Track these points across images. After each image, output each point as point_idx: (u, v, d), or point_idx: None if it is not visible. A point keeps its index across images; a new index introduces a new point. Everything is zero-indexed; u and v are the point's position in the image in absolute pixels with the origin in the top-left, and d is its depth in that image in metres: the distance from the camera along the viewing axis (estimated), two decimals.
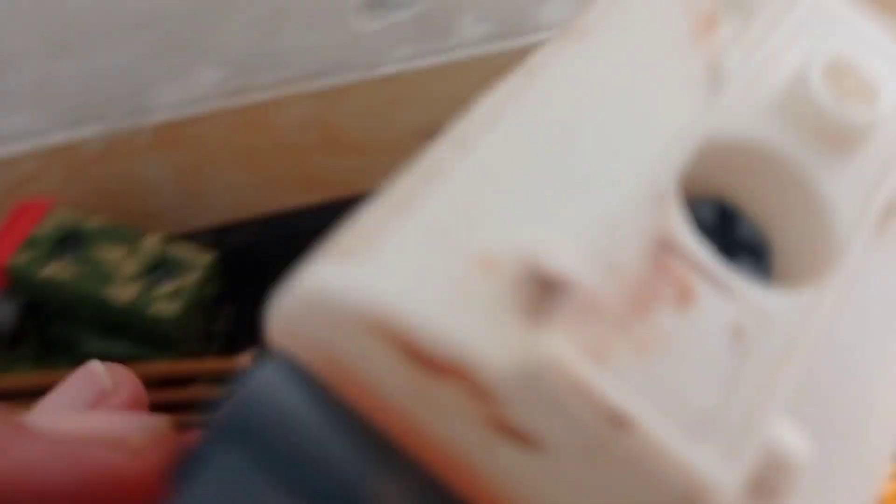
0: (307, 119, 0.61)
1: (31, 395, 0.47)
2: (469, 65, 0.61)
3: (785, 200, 0.12)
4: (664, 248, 0.10)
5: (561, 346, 0.08)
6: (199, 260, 0.51)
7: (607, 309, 0.09)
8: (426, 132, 0.66)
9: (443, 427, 0.09)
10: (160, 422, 0.15)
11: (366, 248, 0.10)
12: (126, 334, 0.50)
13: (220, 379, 0.50)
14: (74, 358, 0.50)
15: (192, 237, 0.64)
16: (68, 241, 0.51)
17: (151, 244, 0.51)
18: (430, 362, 0.09)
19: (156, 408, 0.50)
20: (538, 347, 0.08)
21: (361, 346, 0.09)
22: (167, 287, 0.50)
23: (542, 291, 0.09)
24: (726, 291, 0.10)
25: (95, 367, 0.16)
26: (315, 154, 0.63)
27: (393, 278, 0.10)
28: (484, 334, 0.09)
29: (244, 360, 0.48)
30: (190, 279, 0.50)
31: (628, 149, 0.11)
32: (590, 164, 0.11)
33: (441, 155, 0.12)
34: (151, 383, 0.48)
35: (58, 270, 0.49)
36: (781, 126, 0.12)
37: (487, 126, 0.12)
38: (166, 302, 0.49)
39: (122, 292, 0.49)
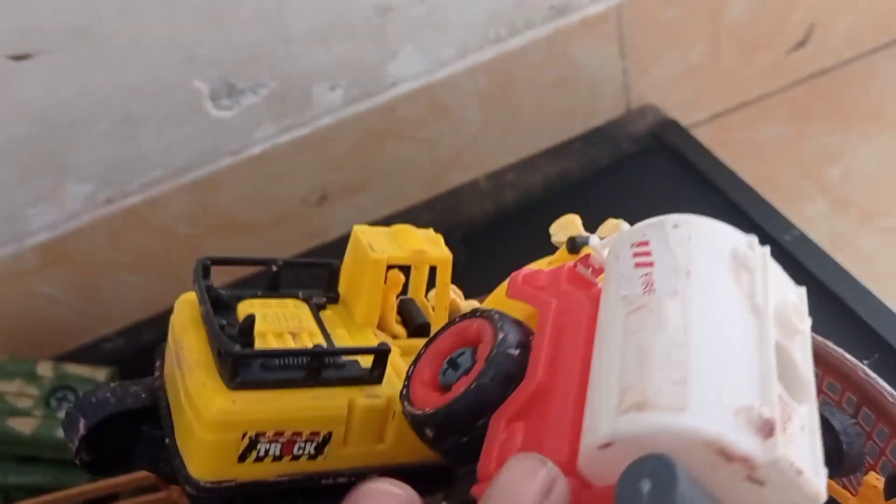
0: (192, 210, 0.63)
1: None
2: (335, 129, 0.63)
3: None
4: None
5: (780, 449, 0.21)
6: (97, 375, 0.52)
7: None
8: (312, 201, 0.68)
9: (725, 482, 0.21)
10: None
11: (681, 403, 0.21)
12: (40, 462, 0.51)
13: (144, 490, 0.51)
14: None
15: (102, 344, 0.66)
16: None
17: (45, 370, 0.53)
18: (730, 456, 0.20)
19: None
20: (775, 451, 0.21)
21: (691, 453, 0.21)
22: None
23: (766, 426, 0.21)
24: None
25: None
26: (208, 240, 0.65)
27: (704, 419, 0.21)
28: (755, 444, 0.21)
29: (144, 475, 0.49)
30: None
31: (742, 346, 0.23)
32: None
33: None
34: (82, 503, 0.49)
35: None
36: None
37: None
38: None
39: (25, 423, 0.50)
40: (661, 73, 0.71)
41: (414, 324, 0.34)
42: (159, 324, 0.65)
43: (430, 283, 0.35)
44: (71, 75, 0.55)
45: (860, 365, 0.36)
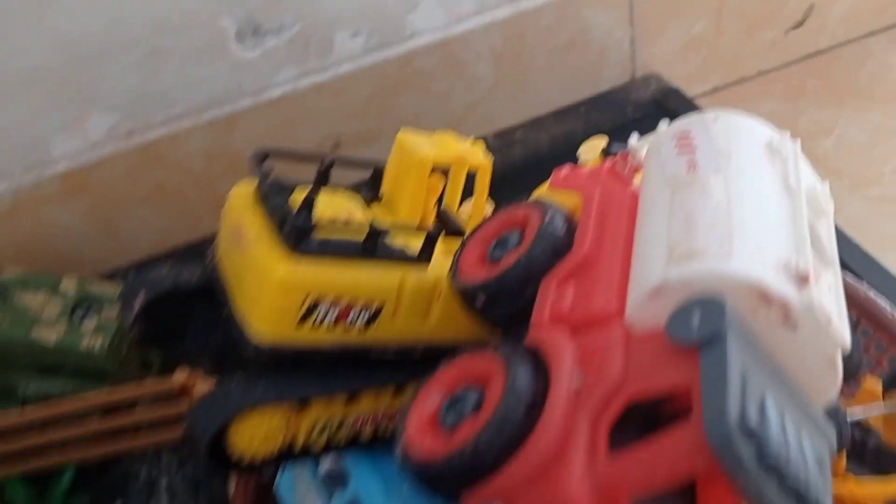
0: (208, 149, 0.64)
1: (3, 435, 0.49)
2: (353, 77, 0.65)
3: None
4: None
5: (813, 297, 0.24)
6: (117, 294, 0.54)
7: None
8: (324, 145, 0.70)
9: (763, 328, 0.23)
10: None
11: (726, 252, 0.24)
12: (60, 372, 0.52)
13: (159, 399, 0.52)
14: (15, 400, 0.52)
15: (113, 277, 0.67)
16: None
17: (69, 286, 0.54)
18: (770, 300, 0.23)
19: (103, 435, 0.53)
20: (810, 298, 0.24)
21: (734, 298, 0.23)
22: (91, 323, 0.52)
23: (802, 277, 0.24)
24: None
25: None
26: (222, 180, 0.66)
27: (747, 266, 0.24)
28: (793, 291, 0.23)
29: (179, 377, 0.50)
30: (111, 313, 0.53)
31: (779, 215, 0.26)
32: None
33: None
34: (94, 412, 0.51)
35: None
36: None
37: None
38: (92, 337, 0.51)
39: (50, 333, 0.51)
40: (666, 43, 0.74)
41: (451, 228, 0.36)
42: (169, 259, 0.67)
43: (464, 195, 0.37)
44: (102, 5, 0.56)
45: (861, 286, 0.38)
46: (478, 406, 0.24)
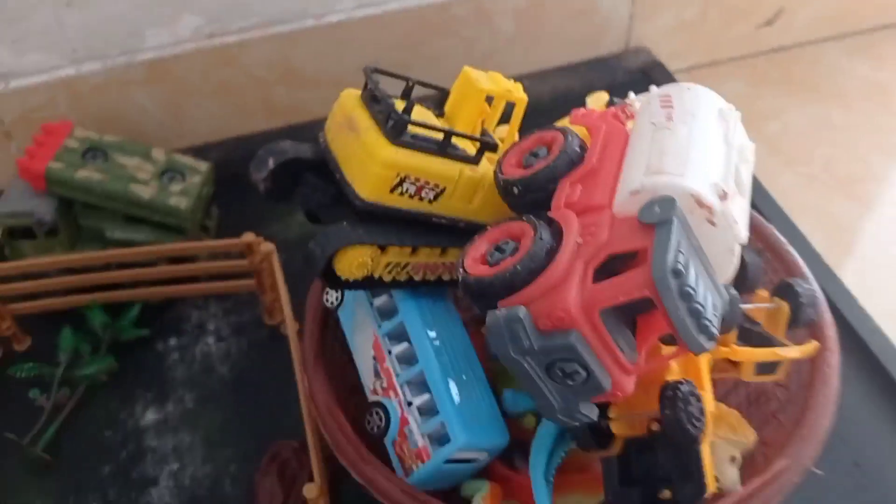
0: (270, 59, 0.76)
1: (68, 272, 0.63)
2: (399, 14, 0.77)
3: None
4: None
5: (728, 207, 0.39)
6: (200, 167, 0.66)
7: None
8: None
9: (695, 222, 0.38)
10: None
11: (681, 173, 0.39)
12: (144, 224, 0.65)
13: (215, 256, 0.65)
14: (103, 242, 0.65)
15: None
16: (92, 152, 0.65)
17: (158, 155, 0.66)
18: (701, 204, 0.38)
19: (169, 281, 0.69)
20: (726, 206, 0.39)
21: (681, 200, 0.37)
22: (177, 187, 0.65)
23: (723, 193, 0.39)
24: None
25: None
26: (277, 87, 0.78)
27: (691, 182, 0.38)
28: (716, 201, 0.39)
29: (247, 238, 0.62)
30: (195, 181, 0.65)
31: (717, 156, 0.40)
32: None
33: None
34: (167, 259, 0.63)
35: (89, 174, 0.63)
36: None
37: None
38: (178, 198, 0.64)
39: (144, 190, 0.63)
40: (658, 23, 0.87)
41: (490, 143, 0.50)
42: (222, 147, 0.79)
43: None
44: None
45: (769, 226, 0.54)
46: (513, 252, 0.38)
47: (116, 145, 0.66)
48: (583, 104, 0.87)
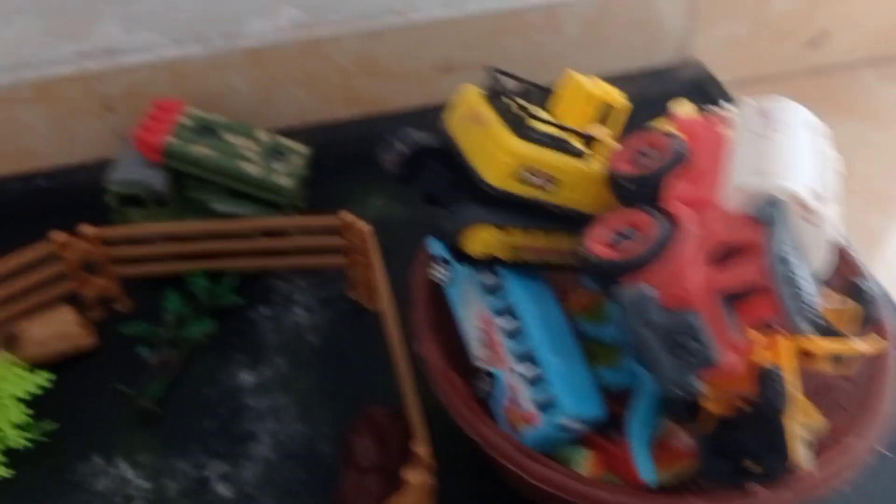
0: (357, 51, 0.81)
1: (171, 240, 0.68)
2: (477, 17, 0.82)
3: None
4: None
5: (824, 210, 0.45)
6: (301, 150, 0.71)
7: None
8: (440, 67, 0.88)
9: (798, 218, 0.44)
10: None
11: (784, 176, 0.44)
12: (247, 199, 0.70)
13: (305, 231, 0.70)
14: (207, 213, 0.70)
15: None
16: (204, 130, 0.70)
17: (262, 135, 0.71)
18: (802, 205, 0.44)
19: (263, 253, 0.75)
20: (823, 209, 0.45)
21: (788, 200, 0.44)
22: (280, 167, 0.70)
23: (820, 198, 0.45)
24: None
25: None
26: (359, 79, 0.83)
27: (796, 186, 0.44)
28: (815, 203, 0.45)
29: (345, 216, 0.67)
30: (297, 163, 0.70)
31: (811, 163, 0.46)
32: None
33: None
34: (261, 232, 0.68)
35: (203, 150, 0.68)
36: None
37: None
38: (284, 177, 0.69)
39: (252, 168, 0.68)
40: (711, 37, 0.93)
41: (596, 141, 0.55)
42: (303, 133, 0.84)
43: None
44: None
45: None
46: (637, 238, 0.44)
47: (224, 125, 0.71)
48: (637, 112, 0.94)
